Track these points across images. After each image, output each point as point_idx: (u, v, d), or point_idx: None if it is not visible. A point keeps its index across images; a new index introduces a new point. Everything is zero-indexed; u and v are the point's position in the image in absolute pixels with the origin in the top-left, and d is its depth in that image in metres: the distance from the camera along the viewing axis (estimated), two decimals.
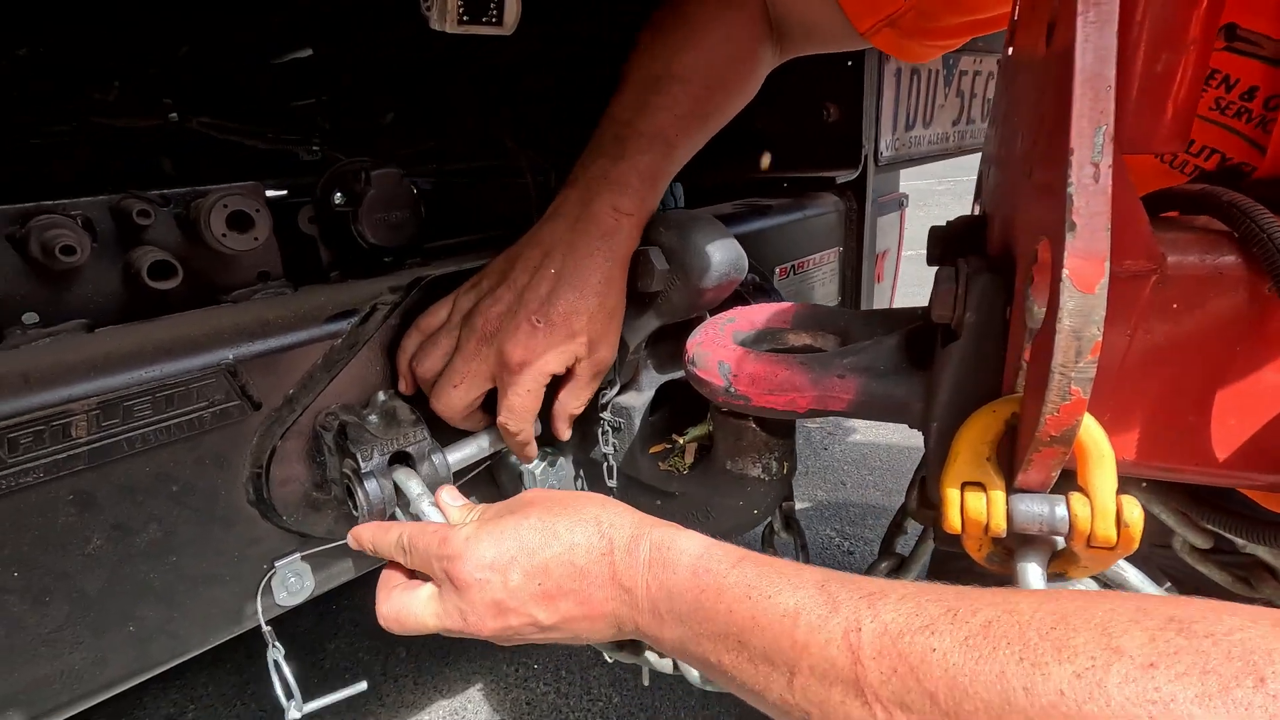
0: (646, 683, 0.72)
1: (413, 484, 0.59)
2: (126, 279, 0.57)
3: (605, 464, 0.73)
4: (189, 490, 0.56)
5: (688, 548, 0.44)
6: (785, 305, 0.65)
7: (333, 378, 0.61)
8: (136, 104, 0.92)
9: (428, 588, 0.51)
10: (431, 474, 0.60)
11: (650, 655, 0.69)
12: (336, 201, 0.65)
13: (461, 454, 0.66)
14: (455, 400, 0.62)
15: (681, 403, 0.75)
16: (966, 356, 0.43)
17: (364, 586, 0.65)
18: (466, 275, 0.66)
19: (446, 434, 0.65)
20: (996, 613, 0.30)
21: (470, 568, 0.48)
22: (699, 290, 0.62)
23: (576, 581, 0.46)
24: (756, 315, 0.65)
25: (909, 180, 1.54)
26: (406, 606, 0.51)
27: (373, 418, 0.61)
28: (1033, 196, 0.40)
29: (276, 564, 0.61)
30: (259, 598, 0.61)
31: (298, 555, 0.62)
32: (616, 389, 0.69)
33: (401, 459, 0.60)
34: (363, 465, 0.57)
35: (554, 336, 0.59)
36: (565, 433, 0.67)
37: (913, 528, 0.79)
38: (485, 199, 1.17)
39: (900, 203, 1.60)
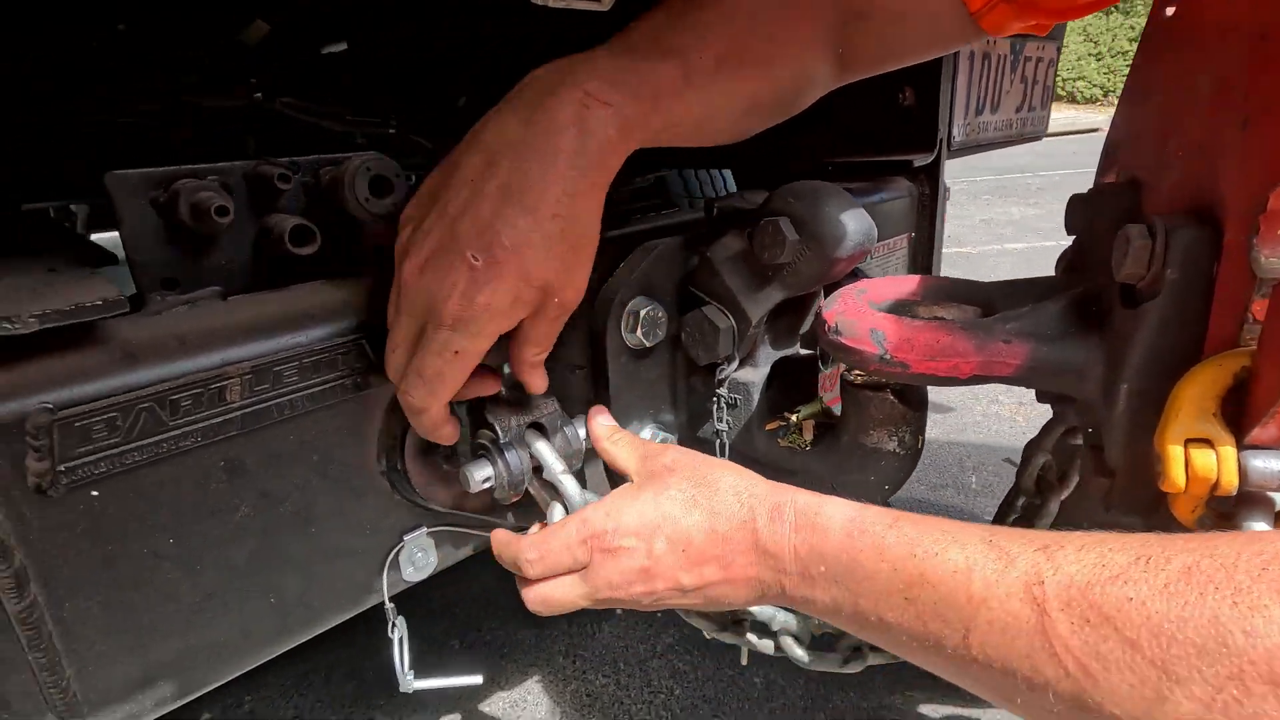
0: (745, 661, 0.71)
1: (549, 454, 0.58)
2: (261, 246, 0.56)
3: (718, 442, 0.72)
4: (328, 460, 0.55)
5: (836, 512, 0.45)
6: (913, 278, 0.64)
7: None
8: (222, 84, 0.91)
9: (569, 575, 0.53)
10: (564, 445, 0.59)
11: (751, 637, 0.68)
12: None
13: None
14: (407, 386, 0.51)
15: (791, 380, 0.74)
16: (1166, 315, 0.42)
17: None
18: None
19: None
20: (1194, 557, 0.29)
21: (617, 537, 0.50)
22: (832, 260, 0.61)
23: (719, 548, 0.48)
24: (884, 288, 0.64)
25: None
26: (551, 589, 0.53)
27: (502, 389, 0.60)
28: (1252, 145, 0.39)
29: (405, 538, 0.60)
30: (385, 572, 0.61)
31: (424, 530, 0.62)
32: (735, 364, 0.68)
33: (535, 430, 0.59)
34: (501, 436, 0.56)
35: (502, 279, 0.45)
36: (539, 384, 0.55)
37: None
38: None
39: (946, 193, 1.59)
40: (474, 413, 0.58)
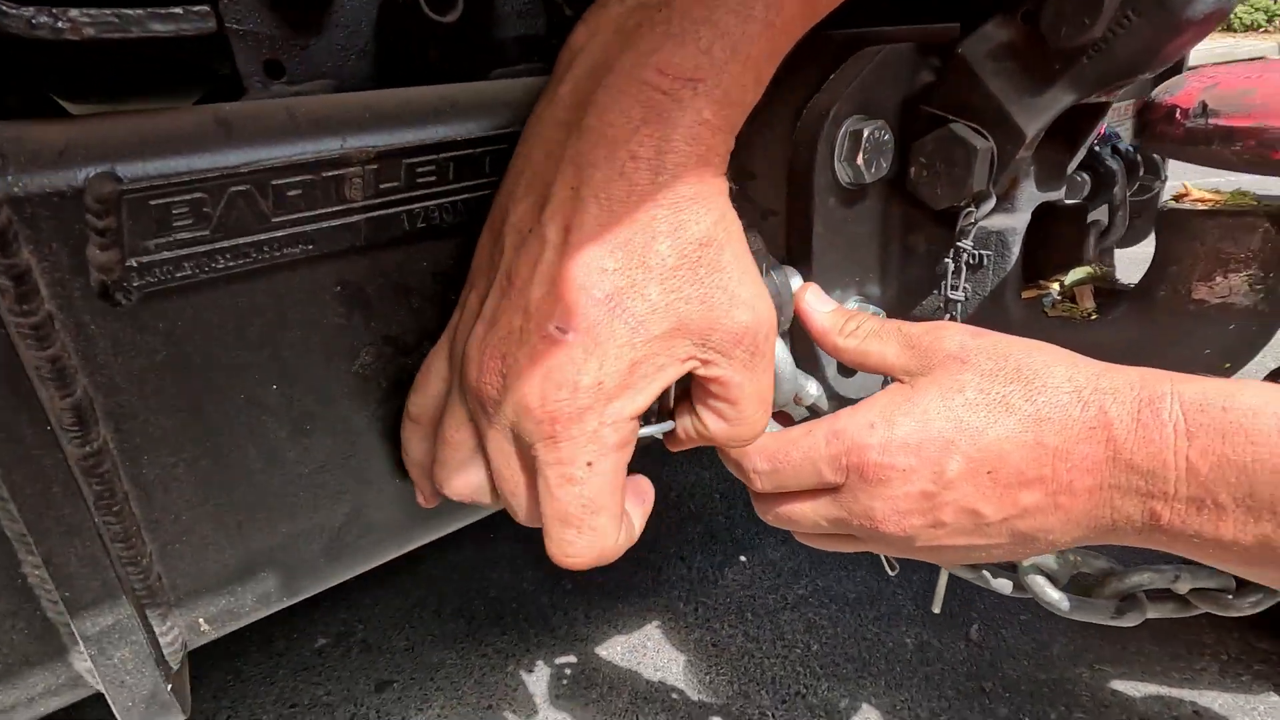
0: (891, 571, 0.55)
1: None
2: (385, 22, 0.43)
3: (947, 316, 0.54)
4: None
5: (1263, 402, 0.29)
6: (1270, 62, 0.44)
7: None
8: None
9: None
10: (772, 289, 0.44)
11: (985, 572, 0.53)
12: None
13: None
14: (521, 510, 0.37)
15: (1047, 236, 0.56)
16: None
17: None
18: None
19: None
20: None
21: (887, 455, 0.36)
22: (1177, 26, 0.42)
23: (1047, 466, 0.34)
24: (1234, 80, 0.44)
25: None
26: (793, 512, 0.41)
27: None
28: None
29: None
30: None
31: None
32: (990, 205, 0.50)
33: None
34: None
35: (604, 341, 0.31)
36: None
37: None
38: None
39: None
40: None
